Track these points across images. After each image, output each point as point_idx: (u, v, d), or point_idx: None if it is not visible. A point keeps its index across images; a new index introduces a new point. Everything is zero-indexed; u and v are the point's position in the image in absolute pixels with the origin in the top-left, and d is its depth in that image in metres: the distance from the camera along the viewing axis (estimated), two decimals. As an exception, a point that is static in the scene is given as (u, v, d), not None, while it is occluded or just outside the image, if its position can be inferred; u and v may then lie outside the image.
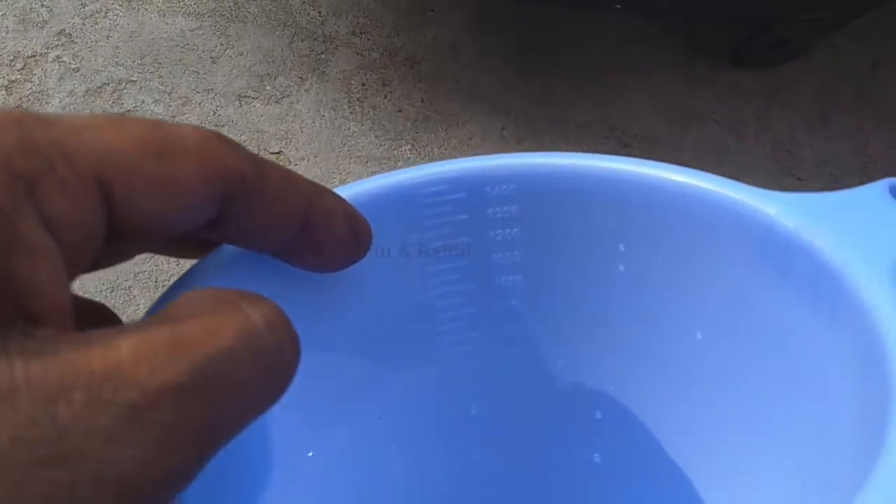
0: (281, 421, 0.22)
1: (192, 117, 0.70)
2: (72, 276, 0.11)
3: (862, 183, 0.20)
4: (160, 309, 0.12)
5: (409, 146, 0.67)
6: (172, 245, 0.17)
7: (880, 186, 0.21)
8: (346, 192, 0.21)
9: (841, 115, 0.68)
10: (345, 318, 0.23)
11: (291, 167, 0.66)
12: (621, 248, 0.24)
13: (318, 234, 0.16)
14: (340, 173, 0.65)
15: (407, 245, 0.23)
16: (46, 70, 0.74)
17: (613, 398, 0.27)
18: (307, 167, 0.66)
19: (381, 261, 0.23)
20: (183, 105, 0.72)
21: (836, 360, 0.18)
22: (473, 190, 0.21)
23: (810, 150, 0.66)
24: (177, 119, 0.70)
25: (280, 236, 0.15)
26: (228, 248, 0.19)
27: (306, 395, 0.21)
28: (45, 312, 0.10)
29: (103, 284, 0.57)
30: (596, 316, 0.26)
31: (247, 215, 0.14)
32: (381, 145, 0.67)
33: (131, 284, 0.57)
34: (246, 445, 0.12)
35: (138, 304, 0.56)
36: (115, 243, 0.12)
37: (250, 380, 0.12)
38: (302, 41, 0.77)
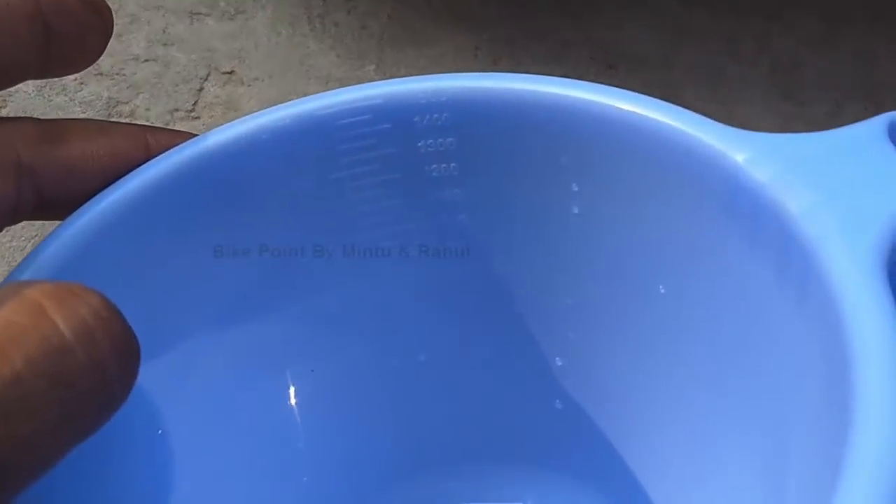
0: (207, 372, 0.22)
1: (139, 36, 0.65)
2: None
3: (867, 110, 0.16)
4: None
5: (374, 66, 0.61)
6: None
7: (878, 125, 0.17)
8: (245, 125, 0.20)
9: (848, 35, 0.63)
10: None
11: (245, 88, 0.61)
12: (575, 187, 0.22)
13: (62, 27, 0.15)
14: (298, 95, 0.60)
15: (325, 183, 0.22)
16: (-17, -16, 0.68)
17: (574, 346, 0.25)
18: (262, 88, 0.60)
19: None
20: (130, 23, 0.66)
21: (803, 345, 0.16)
22: (400, 121, 0.20)
23: (814, 71, 0.60)
24: (124, 38, 0.64)
25: (28, 50, 0.15)
26: (78, 225, 0.18)
27: (240, 351, 0.22)
28: None
29: None
30: (549, 261, 0.24)
31: None
32: (342, 65, 0.61)
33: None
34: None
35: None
36: None
37: (46, 414, 0.09)
38: (260, -48, 0.71)
